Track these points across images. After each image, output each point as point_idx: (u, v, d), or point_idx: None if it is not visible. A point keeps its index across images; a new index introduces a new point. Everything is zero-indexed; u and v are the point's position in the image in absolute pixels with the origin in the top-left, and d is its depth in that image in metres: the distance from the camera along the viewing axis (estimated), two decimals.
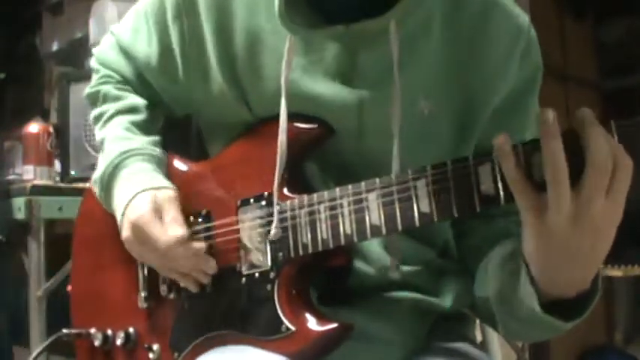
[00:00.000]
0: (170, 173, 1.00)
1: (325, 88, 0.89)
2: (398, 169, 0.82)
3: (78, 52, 2.52)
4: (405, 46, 0.85)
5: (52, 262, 1.98)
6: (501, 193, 0.71)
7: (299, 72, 0.89)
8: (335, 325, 0.82)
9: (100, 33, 2.26)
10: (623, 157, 0.67)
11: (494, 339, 1.30)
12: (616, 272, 2.86)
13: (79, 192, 1.84)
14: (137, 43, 1.03)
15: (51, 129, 2.14)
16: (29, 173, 2.09)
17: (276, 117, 0.89)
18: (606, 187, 0.65)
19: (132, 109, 1.04)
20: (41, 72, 3.40)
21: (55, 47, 3.07)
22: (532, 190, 0.68)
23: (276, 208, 0.86)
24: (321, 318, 0.83)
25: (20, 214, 1.93)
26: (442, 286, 0.94)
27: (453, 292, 0.93)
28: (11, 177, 2.22)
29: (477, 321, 1.09)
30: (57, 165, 2.13)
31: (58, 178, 2.10)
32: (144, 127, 1.03)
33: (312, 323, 0.83)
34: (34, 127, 2.13)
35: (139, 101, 1.05)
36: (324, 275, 0.89)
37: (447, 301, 0.93)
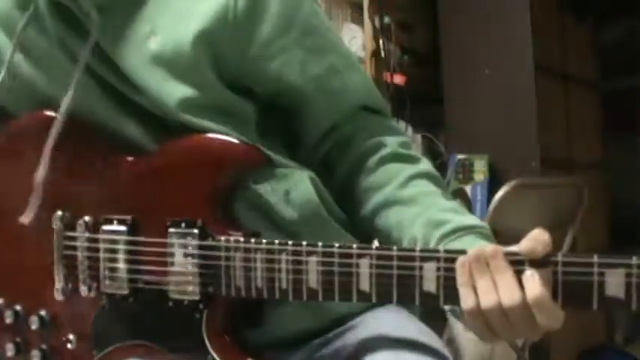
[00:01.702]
0: (99, 160, 0.94)
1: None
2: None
3: None
4: None
5: None
6: (442, 294, 0.74)
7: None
8: None
9: None
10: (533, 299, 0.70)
11: (462, 337, 1.31)
12: None
13: None
14: None
15: None
16: None
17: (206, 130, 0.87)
18: (531, 318, 0.71)
19: None
20: None
21: None
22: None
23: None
24: (249, 356, 0.85)
25: None
26: None
27: None
28: None
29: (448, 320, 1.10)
30: None
31: None
32: None
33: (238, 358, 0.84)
34: None
35: None
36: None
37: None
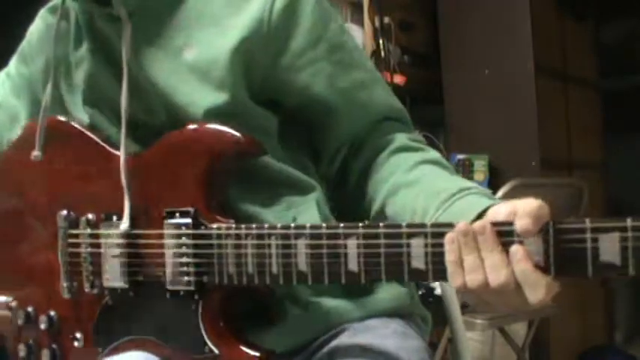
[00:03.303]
0: (97, 161, 0.96)
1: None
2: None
3: None
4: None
5: None
6: (430, 270, 0.72)
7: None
8: (257, 354, 0.83)
9: None
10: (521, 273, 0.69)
11: (463, 337, 1.31)
12: None
13: None
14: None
15: None
16: None
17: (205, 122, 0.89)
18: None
19: None
20: None
21: None
22: None
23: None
24: (245, 344, 0.84)
25: None
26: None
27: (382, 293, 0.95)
28: None
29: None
30: None
31: None
32: None
33: (235, 349, 0.84)
34: None
35: None
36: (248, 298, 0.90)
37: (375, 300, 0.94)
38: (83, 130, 0.97)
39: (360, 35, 2.87)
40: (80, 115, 1.00)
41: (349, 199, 0.97)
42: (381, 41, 2.82)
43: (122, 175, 0.89)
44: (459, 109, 3.14)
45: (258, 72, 0.92)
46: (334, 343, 0.91)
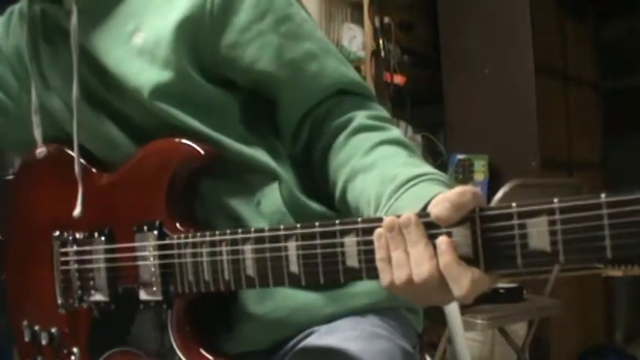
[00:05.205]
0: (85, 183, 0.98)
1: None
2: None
3: None
4: None
5: None
6: (364, 268, 0.70)
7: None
8: None
9: None
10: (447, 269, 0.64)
11: (462, 337, 1.31)
12: (616, 272, 2.86)
13: None
14: None
15: None
16: None
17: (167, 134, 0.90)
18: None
19: None
20: None
21: None
22: None
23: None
24: (210, 353, 0.86)
25: None
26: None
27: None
28: (11, 177, 2.22)
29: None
30: None
31: None
32: None
33: (200, 357, 0.86)
34: None
35: None
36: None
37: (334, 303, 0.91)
38: (72, 153, 0.99)
39: (360, 35, 2.87)
40: (61, 115, 1.01)
41: (317, 180, 0.94)
42: (381, 41, 2.82)
43: (76, 166, 0.93)
44: (459, 109, 3.14)
45: (206, 50, 0.91)
46: (298, 347, 0.90)
